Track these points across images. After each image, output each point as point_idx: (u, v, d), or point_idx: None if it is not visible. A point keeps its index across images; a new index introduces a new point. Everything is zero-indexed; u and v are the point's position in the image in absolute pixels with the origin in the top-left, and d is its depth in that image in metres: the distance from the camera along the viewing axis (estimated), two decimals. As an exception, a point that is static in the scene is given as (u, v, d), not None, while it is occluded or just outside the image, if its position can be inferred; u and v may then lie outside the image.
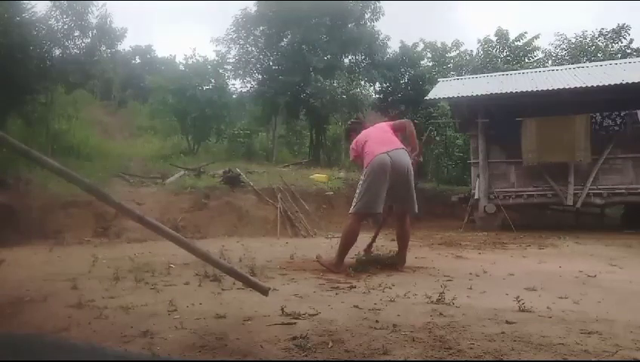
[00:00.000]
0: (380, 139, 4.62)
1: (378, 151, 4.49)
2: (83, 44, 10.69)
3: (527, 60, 17.31)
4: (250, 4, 18.04)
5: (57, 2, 10.12)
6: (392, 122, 4.97)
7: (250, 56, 16.61)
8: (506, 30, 18.02)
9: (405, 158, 4.54)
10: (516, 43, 17.91)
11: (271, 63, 16.70)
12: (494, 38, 18.18)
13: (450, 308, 2.99)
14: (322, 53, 15.41)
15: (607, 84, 9.54)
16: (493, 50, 18.05)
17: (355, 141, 4.75)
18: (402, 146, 4.63)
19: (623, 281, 4.09)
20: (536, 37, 17.84)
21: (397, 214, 4.77)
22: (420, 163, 5.23)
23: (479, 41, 18.56)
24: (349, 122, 5.33)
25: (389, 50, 17.66)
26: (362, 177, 4.51)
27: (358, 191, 4.51)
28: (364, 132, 4.85)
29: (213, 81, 14.56)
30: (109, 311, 2.85)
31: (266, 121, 17.04)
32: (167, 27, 57.87)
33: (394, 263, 4.62)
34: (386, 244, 7.04)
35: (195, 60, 14.97)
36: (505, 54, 17.91)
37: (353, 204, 4.52)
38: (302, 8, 15.34)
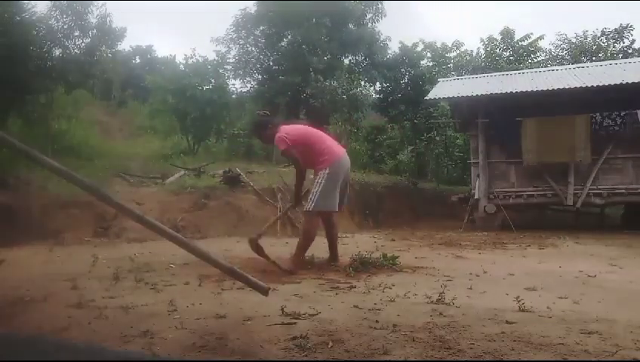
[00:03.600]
0: (333, 140, 4.80)
1: (340, 151, 4.66)
2: (83, 44, 10.69)
3: (530, 61, 17.32)
4: (250, 4, 18.05)
5: (57, 2, 10.12)
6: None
7: (250, 56, 16.61)
8: (513, 30, 18.06)
9: (349, 160, 4.82)
10: (521, 43, 17.92)
11: (271, 63, 16.69)
12: (499, 37, 18.20)
13: (450, 308, 2.99)
14: (322, 54, 15.41)
15: (607, 84, 9.54)
16: (497, 50, 18.06)
17: (285, 133, 4.52)
18: None
19: (623, 281, 4.09)
20: (541, 37, 17.88)
21: (326, 214, 4.71)
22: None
23: (482, 40, 18.58)
24: (260, 112, 5.15)
25: (389, 51, 17.67)
26: (324, 175, 4.44)
27: (318, 188, 4.42)
28: (298, 127, 4.78)
29: (213, 81, 14.56)
30: (109, 311, 2.85)
31: (266, 121, 17.03)
32: (167, 27, 57.96)
33: (332, 263, 4.64)
34: (386, 244, 7.06)
35: (195, 60, 14.97)
36: (508, 54, 17.93)
37: (316, 201, 4.43)
38: (302, 8, 15.33)
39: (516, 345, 2.26)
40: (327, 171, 4.44)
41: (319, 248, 6.16)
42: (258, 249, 4.53)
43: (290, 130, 4.62)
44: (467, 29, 59.17)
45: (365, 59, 17.15)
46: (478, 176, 10.75)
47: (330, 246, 4.82)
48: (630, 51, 17.24)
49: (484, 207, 10.50)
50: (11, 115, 10.35)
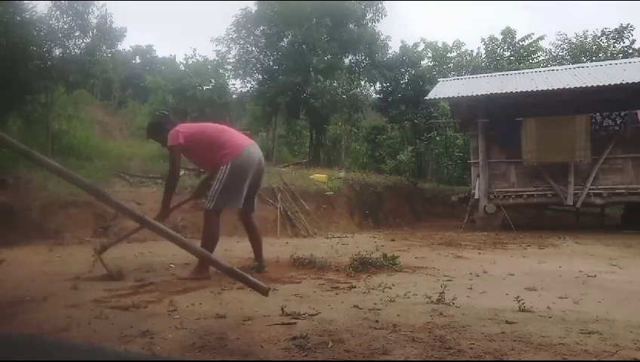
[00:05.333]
0: (237, 133, 4.38)
1: (245, 143, 4.19)
2: (83, 44, 10.68)
3: (530, 61, 17.35)
4: (251, 4, 18.06)
5: (58, 2, 10.11)
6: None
7: (250, 56, 16.60)
8: (514, 30, 18.10)
9: (261, 154, 4.40)
10: (521, 43, 17.95)
11: (271, 63, 16.69)
12: (500, 37, 18.23)
13: (450, 308, 2.99)
14: (323, 54, 15.41)
15: (607, 84, 9.55)
16: (498, 50, 18.09)
17: (179, 129, 4.13)
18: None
19: (623, 281, 4.09)
20: (542, 38, 17.93)
21: (244, 213, 4.39)
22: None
23: (483, 40, 18.60)
24: (158, 111, 4.72)
25: (389, 51, 17.70)
26: (226, 170, 4.01)
27: (219, 185, 4.00)
28: (197, 125, 4.38)
29: (213, 81, 14.58)
30: (109, 311, 2.85)
31: (266, 121, 17.04)
32: (167, 27, 57.99)
33: (258, 271, 4.13)
34: (385, 244, 7.06)
35: (195, 60, 15.01)
36: (509, 54, 17.96)
37: (216, 199, 4.02)
38: (302, 8, 15.33)
39: (516, 345, 2.26)
40: (228, 166, 4.01)
41: (319, 248, 6.17)
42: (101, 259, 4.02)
43: (186, 126, 4.25)
44: (467, 30, 59.23)
45: (365, 59, 17.17)
46: (478, 176, 10.75)
47: (254, 247, 4.43)
48: (630, 51, 17.25)
49: (484, 207, 10.50)
50: (11, 115, 10.34)
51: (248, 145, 4.20)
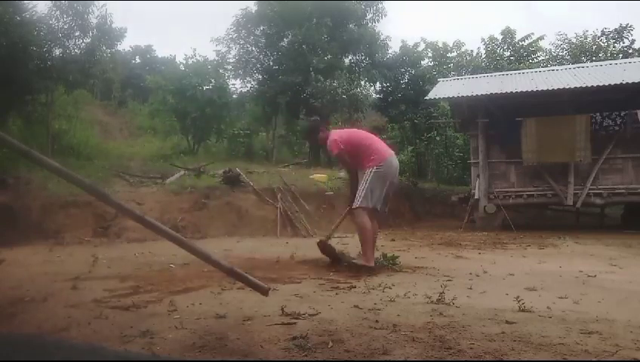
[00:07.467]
0: (381, 142, 4.95)
1: (389, 152, 4.80)
2: (83, 44, 10.69)
3: (530, 61, 17.34)
4: (251, 4, 18.04)
5: (58, 2, 10.12)
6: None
7: (250, 56, 16.58)
8: (514, 30, 18.09)
9: (398, 164, 4.98)
10: (521, 43, 17.93)
11: (271, 63, 16.67)
12: (500, 37, 18.21)
13: (450, 308, 2.99)
14: (323, 54, 15.39)
15: (607, 84, 9.54)
16: (498, 50, 18.07)
17: (337, 137, 4.82)
18: None
19: (623, 281, 4.09)
20: (541, 38, 17.91)
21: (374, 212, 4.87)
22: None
23: (483, 39, 18.58)
24: (312, 118, 5.67)
25: (389, 51, 17.68)
26: (371, 173, 4.59)
27: (366, 186, 4.57)
28: (349, 131, 5.14)
29: (213, 81, 14.55)
30: (109, 311, 2.85)
31: (266, 121, 17.02)
32: (167, 27, 57.95)
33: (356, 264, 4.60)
34: (385, 244, 7.06)
35: (195, 60, 14.99)
36: (509, 54, 17.94)
37: (362, 198, 4.56)
38: (302, 8, 15.32)
39: (516, 345, 2.26)
40: (373, 169, 4.60)
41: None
42: (329, 250, 4.70)
43: (341, 133, 4.94)
44: (467, 30, 59.14)
45: (365, 58, 17.15)
46: (478, 176, 10.74)
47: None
48: (630, 51, 17.23)
49: (484, 207, 10.49)
50: (11, 115, 10.35)
51: (390, 156, 4.79)
